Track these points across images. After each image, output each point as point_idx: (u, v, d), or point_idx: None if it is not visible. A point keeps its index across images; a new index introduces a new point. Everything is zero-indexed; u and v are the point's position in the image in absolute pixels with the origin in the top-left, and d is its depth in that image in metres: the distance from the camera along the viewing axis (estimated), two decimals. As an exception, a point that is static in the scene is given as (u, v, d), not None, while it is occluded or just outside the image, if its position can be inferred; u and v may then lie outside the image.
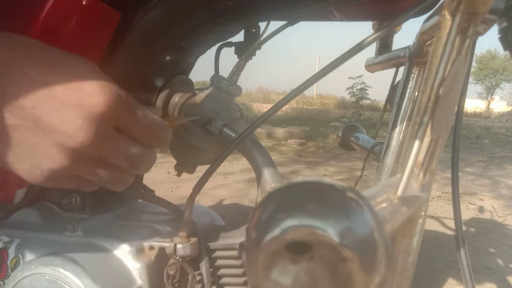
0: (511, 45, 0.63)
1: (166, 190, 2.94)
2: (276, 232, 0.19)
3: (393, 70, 0.98)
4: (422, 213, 0.45)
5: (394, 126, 0.76)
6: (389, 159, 0.75)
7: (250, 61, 0.83)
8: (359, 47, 0.56)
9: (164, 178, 3.29)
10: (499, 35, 0.66)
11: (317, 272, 0.19)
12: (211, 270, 0.68)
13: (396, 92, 0.80)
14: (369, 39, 0.56)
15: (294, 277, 0.20)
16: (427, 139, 0.33)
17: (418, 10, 0.59)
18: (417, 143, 0.28)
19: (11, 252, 0.74)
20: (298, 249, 0.19)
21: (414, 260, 0.48)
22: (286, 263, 0.20)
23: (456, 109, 0.56)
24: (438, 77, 0.27)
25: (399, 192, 0.29)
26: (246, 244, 0.21)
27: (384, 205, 0.28)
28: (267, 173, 0.71)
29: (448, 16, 0.32)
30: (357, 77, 8.49)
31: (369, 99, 8.95)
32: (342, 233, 0.18)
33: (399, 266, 0.46)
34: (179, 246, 0.64)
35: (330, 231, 0.19)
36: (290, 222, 0.19)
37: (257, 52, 0.83)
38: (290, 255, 0.20)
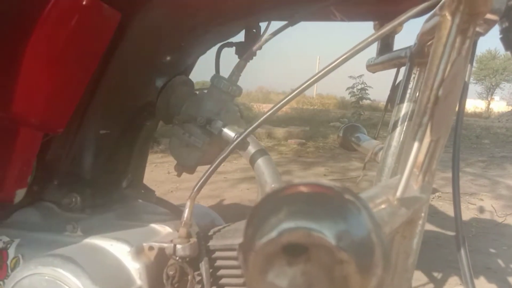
0: None
1: (167, 190, 2.93)
2: (272, 234, 0.19)
3: (394, 70, 0.97)
4: (422, 214, 0.45)
5: (394, 127, 0.76)
6: (390, 160, 0.75)
7: (250, 61, 0.82)
8: (360, 47, 0.56)
9: (164, 178, 3.29)
10: (501, 35, 0.65)
11: (313, 275, 0.19)
12: (210, 270, 0.68)
13: (397, 92, 0.80)
14: (369, 39, 0.56)
15: (290, 280, 0.19)
16: (426, 140, 0.33)
17: (419, 11, 0.59)
18: (416, 144, 0.28)
19: (11, 252, 0.74)
20: (295, 251, 0.19)
21: (414, 261, 0.47)
22: (283, 265, 0.19)
23: (456, 109, 0.56)
24: (438, 78, 0.27)
25: (398, 193, 0.29)
26: (243, 246, 0.20)
27: (383, 206, 0.28)
28: (267, 174, 0.71)
29: (448, 17, 0.32)
30: (357, 76, 8.49)
31: (369, 99, 8.94)
32: (338, 235, 0.18)
33: (399, 267, 0.46)
34: (178, 246, 0.64)
35: (326, 233, 0.18)
36: (286, 224, 0.19)
37: (258, 52, 0.83)
38: (286, 257, 0.19)
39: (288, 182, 0.21)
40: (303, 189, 0.20)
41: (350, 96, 8.93)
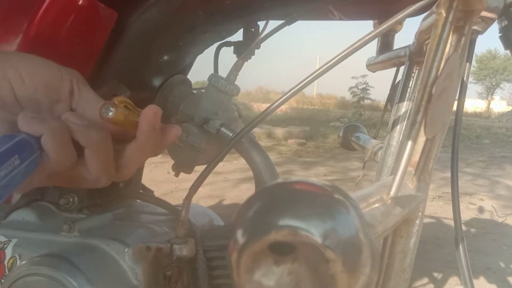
0: (511, 44, 0.63)
1: (166, 190, 2.93)
2: (259, 232, 0.19)
3: (394, 69, 0.97)
4: (419, 213, 0.45)
5: (394, 126, 0.76)
6: (389, 159, 0.75)
7: (250, 61, 0.82)
8: (357, 45, 0.56)
9: (164, 178, 3.29)
10: (500, 34, 0.65)
11: (301, 274, 0.19)
12: (208, 270, 0.68)
13: (396, 91, 0.80)
14: (367, 37, 0.55)
15: (277, 279, 0.19)
16: (421, 139, 0.32)
17: (416, 9, 0.58)
18: (410, 142, 0.28)
19: (8, 252, 0.74)
20: (282, 250, 0.19)
21: (411, 261, 0.47)
22: (269, 264, 0.19)
23: (454, 108, 0.56)
24: (431, 75, 0.27)
25: (392, 192, 0.29)
26: (229, 245, 0.20)
27: (376, 205, 0.28)
28: (265, 173, 0.71)
29: (444, 14, 0.32)
30: (360, 76, 8.51)
31: (370, 99, 8.94)
32: (325, 233, 0.18)
33: (396, 267, 0.46)
34: (175, 246, 0.64)
35: (313, 231, 0.18)
36: (273, 223, 0.19)
37: (257, 51, 0.83)
38: (273, 256, 0.19)
39: (275, 180, 0.21)
40: (292, 187, 0.20)
41: (352, 96, 8.95)
